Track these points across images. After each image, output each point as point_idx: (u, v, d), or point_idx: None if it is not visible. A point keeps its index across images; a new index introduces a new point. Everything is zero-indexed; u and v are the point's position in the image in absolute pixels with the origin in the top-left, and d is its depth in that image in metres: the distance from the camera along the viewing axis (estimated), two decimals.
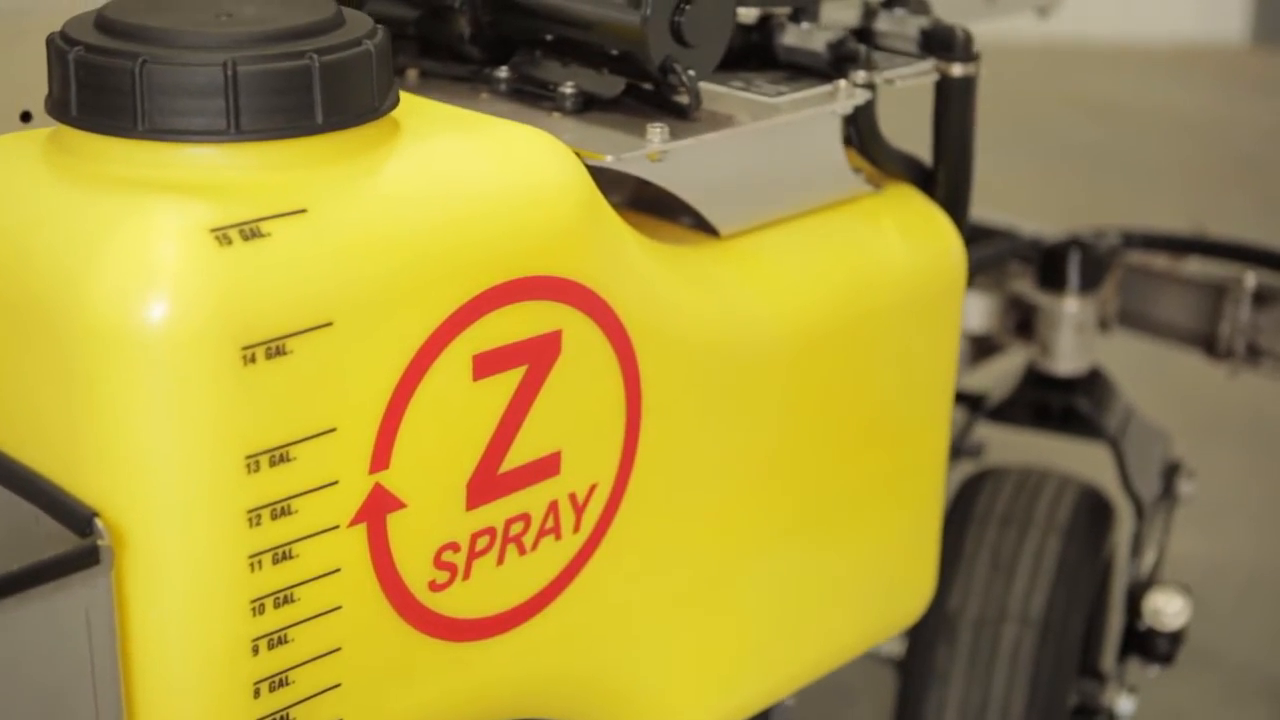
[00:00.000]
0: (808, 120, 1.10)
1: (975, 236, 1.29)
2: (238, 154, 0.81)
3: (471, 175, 0.89)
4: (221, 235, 0.78)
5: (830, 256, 1.12)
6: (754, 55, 1.19)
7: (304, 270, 0.80)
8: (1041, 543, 1.60)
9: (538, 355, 0.92)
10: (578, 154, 0.97)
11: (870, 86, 1.14)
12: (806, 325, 1.09)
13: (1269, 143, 4.99)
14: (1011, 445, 1.93)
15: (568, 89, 1.06)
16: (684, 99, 1.05)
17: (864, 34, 1.25)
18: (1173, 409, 2.60)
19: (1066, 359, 1.71)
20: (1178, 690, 2.16)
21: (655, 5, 1.01)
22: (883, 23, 1.24)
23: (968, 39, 1.20)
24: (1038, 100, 4.87)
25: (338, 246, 0.82)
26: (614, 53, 1.05)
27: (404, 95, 0.94)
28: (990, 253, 1.74)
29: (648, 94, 1.07)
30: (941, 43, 1.21)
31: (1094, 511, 1.67)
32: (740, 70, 1.17)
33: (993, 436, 1.92)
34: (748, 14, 1.18)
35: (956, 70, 1.20)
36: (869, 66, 1.15)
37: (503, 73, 1.10)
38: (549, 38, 1.09)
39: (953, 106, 1.22)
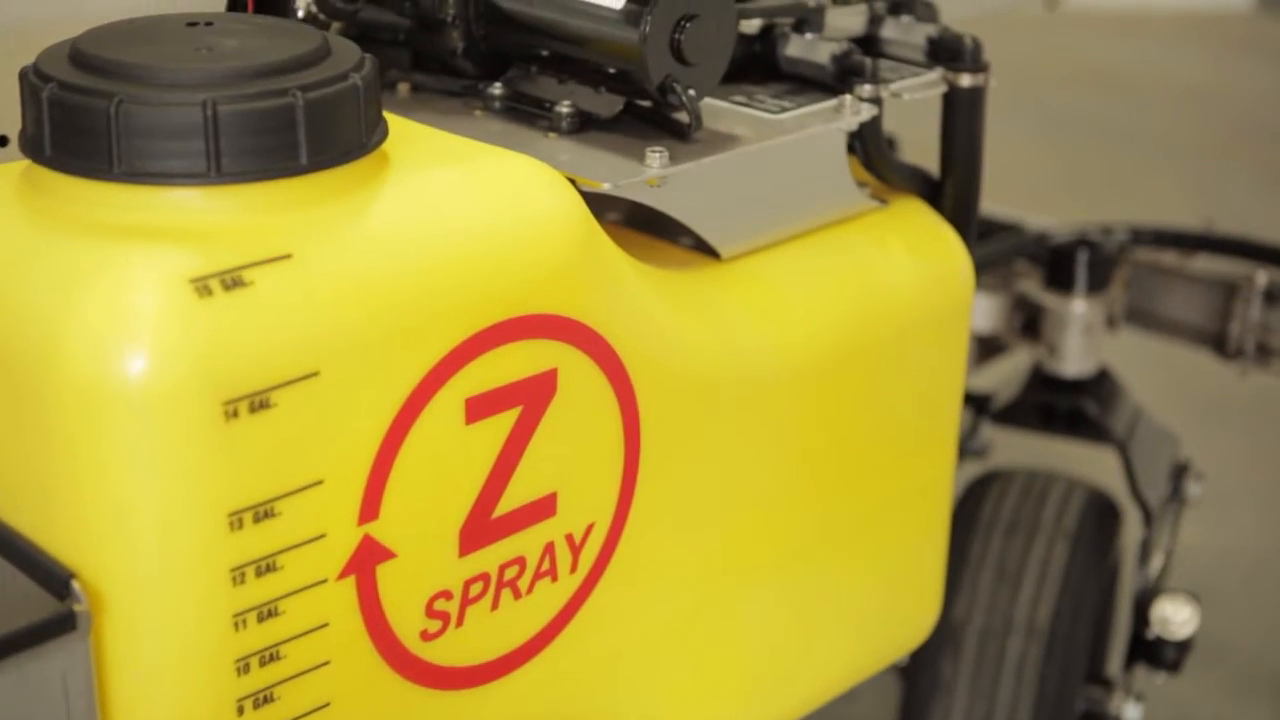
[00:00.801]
0: (812, 138, 1.07)
1: (980, 232, 1.25)
2: (219, 197, 0.78)
3: (464, 212, 0.85)
4: (202, 286, 0.74)
5: (835, 278, 1.09)
6: (756, 66, 1.15)
7: (288, 319, 0.77)
8: (1048, 551, 1.57)
9: (533, 395, 0.89)
10: (574, 180, 0.93)
11: (876, 101, 1.11)
12: (811, 352, 1.06)
13: (1273, 111, 4.94)
14: (1017, 443, 1.90)
15: (564, 108, 1.03)
16: (684, 118, 1.01)
17: (869, 41, 1.21)
18: (1177, 395, 2.58)
19: (1074, 361, 1.68)
20: (1182, 685, 2.11)
21: (654, 23, 0.98)
22: (889, 30, 1.20)
23: (977, 48, 1.16)
24: (1039, 68, 4.82)
25: (324, 292, 0.78)
26: (611, 71, 1.02)
27: (393, 120, 0.91)
28: (996, 250, 1.70)
29: (646, 111, 1.03)
30: (950, 51, 1.17)
31: (1101, 517, 1.64)
32: (742, 82, 1.14)
33: (998, 434, 1.90)
34: (750, 24, 1.14)
35: (965, 81, 1.16)
36: (875, 79, 1.11)
37: (497, 89, 1.07)
38: (544, 53, 1.05)
39: (960, 117, 1.18)
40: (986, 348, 1.79)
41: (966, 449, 1.72)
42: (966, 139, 1.19)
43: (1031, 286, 1.69)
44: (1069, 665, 1.54)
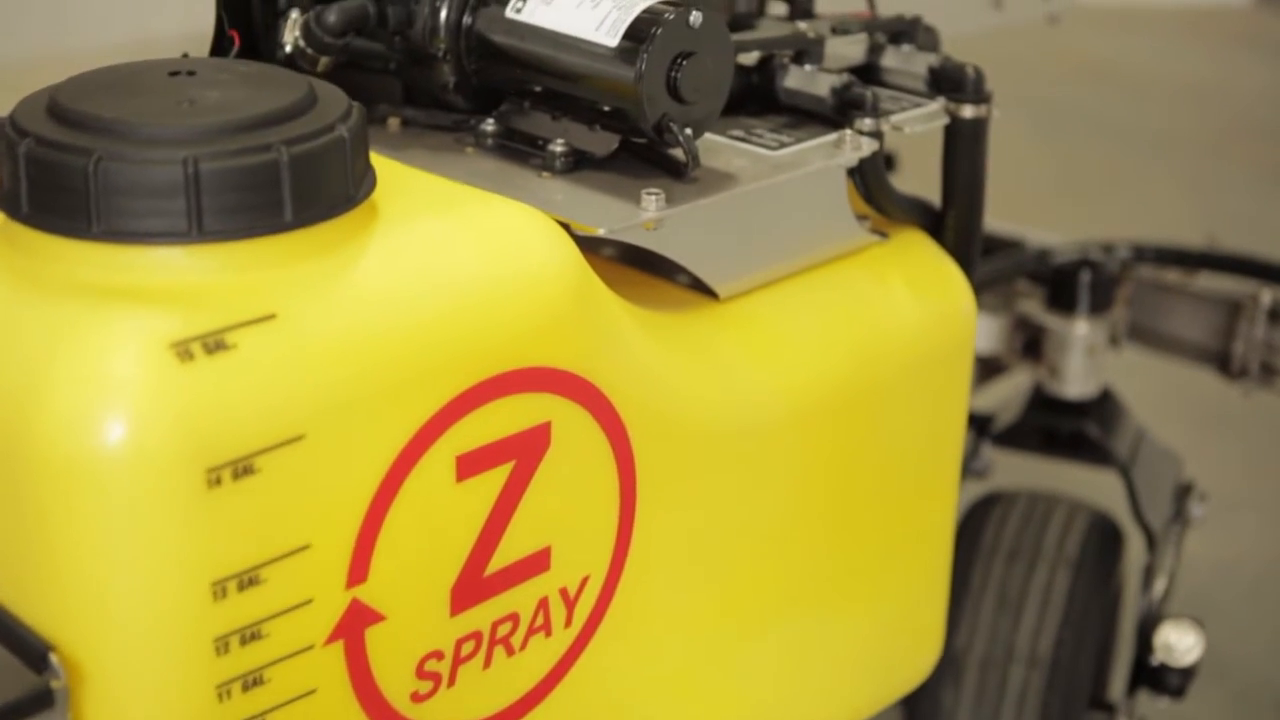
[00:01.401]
0: (811, 175, 1.04)
1: (980, 249, 1.23)
2: (201, 256, 0.75)
3: (455, 265, 0.83)
4: (183, 350, 0.72)
5: (835, 318, 1.07)
6: (754, 97, 1.13)
7: (273, 382, 0.74)
8: (1050, 578, 1.55)
9: (526, 450, 0.86)
10: (569, 225, 0.91)
11: (876, 135, 1.08)
12: (810, 394, 1.03)
13: (1271, 107, 4.92)
14: (1019, 460, 1.87)
15: (557, 147, 1.00)
16: (681, 155, 0.99)
17: (869, 70, 1.18)
18: (1176, 403, 2.55)
19: (1076, 382, 1.66)
20: (1184, 703, 2.11)
21: (650, 61, 0.95)
22: (889, 59, 1.18)
23: (979, 78, 1.14)
24: (1035, 64, 4.80)
25: (310, 353, 0.76)
26: (606, 108, 0.99)
27: (382, 164, 0.89)
28: (996, 270, 1.68)
29: (642, 148, 1.01)
30: (952, 82, 1.15)
31: (1103, 542, 1.62)
32: (739, 114, 1.11)
33: (999, 451, 1.87)
34: (748, 55, 1.12)
35: (967, 112, 1.14)
36: (875, 112, 1.08)
37: (489, 125, 1.04)
38: (537, 89, 1.03)
39: (962, 149, 1.15)
40: (987, 368, 1.77)
41: (968, 469, 1.70)
42: (969, 170, 1.16)
43: (1033, 307, 1.67)
44: (1071, 695, 1.52)
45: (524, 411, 0.85)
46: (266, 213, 0.76)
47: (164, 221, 0.75)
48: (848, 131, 1.08)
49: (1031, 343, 1.69)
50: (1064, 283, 1.64)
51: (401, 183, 0.89)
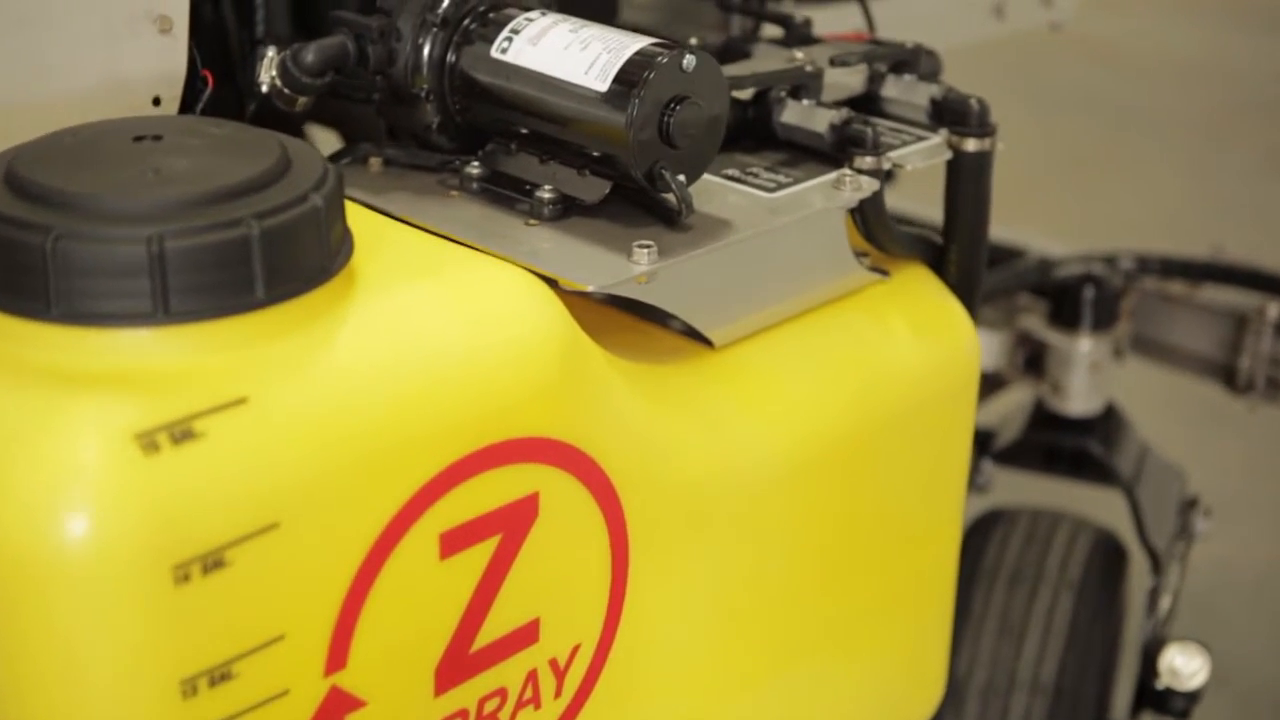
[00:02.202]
0: (810, 219, 1.00)
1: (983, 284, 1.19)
2: (167, 339, 0.72)
3: (437, 335, 0.79)
4: (148, 442, 0.68)
5: (835, 364, 1.03)
6: (749, 132, 1.09)
7: (245, 470, 0.71)
8: (1053, 602, 1.52)
9: (513, 522, 0.83)
10: (557, 282, 0.87)
11: (876, 173, 1.04)
12: (809, 447, 1.00)
13: (1269, 84, 4.88)
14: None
15: (545, 194, 0.96)
16: (673, 202, 0.95)
17: (869, 99, 1.14)
18: (1178, 397, 2.51)
19: (1079, 400, 1.62)
20: None
21: (642, 107, 0.91)
22: (890, 89, 1.14)
23: (983, 111, 1.10)
24: (1033, 43, 4.74)
25: (284, 437, 0.72)
26: (595, 154, 0.95)
27: (360, 217, 0.85)
28: (997, 282, 1.64)
29: (633, 192, 0.97)
30: (954, 114, 1.10)
31: (1107, 562, 1.59)
32: (734, 149, 1.07)
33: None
34: (743, 89, 1.08)
35: (970, 145, 1.10)
36: (875, 149, 1.04)
37: (474, 168, 1.00)
38: (524, 131, 0.99)
39: (966, 183, 1.11)
40: (988, 384, 1.73)
41: (969, 485, 1.66)
42: (972, 205, 1.12)
43: (1035, 323, 1.63)
44: None
45: (511, 483, 0.82)
46: (237, 291, 0.72)
47: (127, 303, 0.71)
48: (847, 171, 1.04)
49: (1033, 358, 1.65)
50: (1067, 298, 1.60)
51: (380, 241, 0.85)
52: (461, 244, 0.93)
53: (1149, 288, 1.72)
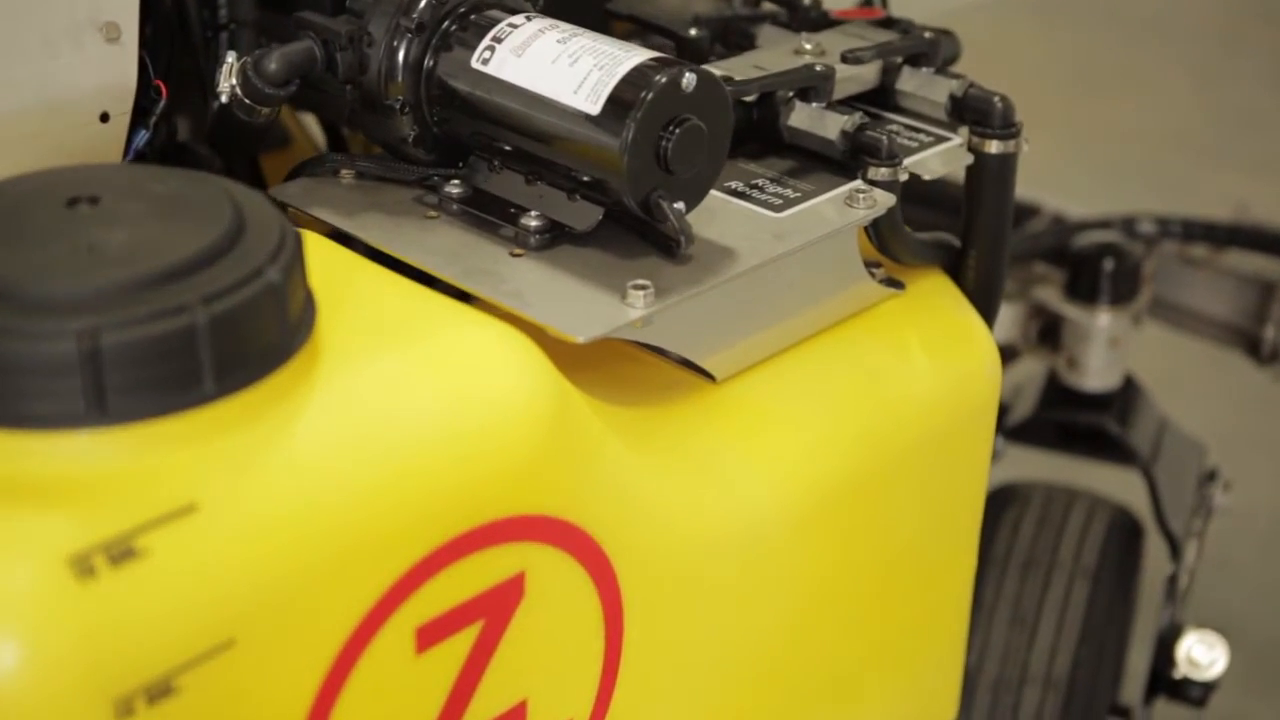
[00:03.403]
0: (820, 241, 0.92)
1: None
2: (103, 443, 0.64)
3: (412, 414, 0.71)
4: (83, 566, 0.61)
5: (844, 395, 0.95)
6: (754, 135, 1.00)
7: (195, 585, 0.63)
8: (1067, 591, 1.45)
9: (496, 606, 0.75)
10: (545, 330, 0.80)
11: (892, 185, 0.96)
12: (816, 490, 0.92)
13: None
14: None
15: (531, 220, 0.88)
16: (670, 232, 0.87)
17: (883, 94, 1.06)
18: (1185, 337, 2.44)
19: (1096, 375, 1.55)
20: None
21: (637, 131, 0.83)
22: (907, 82, 1.05)
23: (1006, 109, 1.01)
24: None
25: (239, 545, 0.65)
26: (586, 179, 0.87)
27: (326, 263, 0.77)
28: (1010, 249, 1.56)
29: (628, 216, 0.88)
30: (976, 113, 1.02)
31: (1124, 544, 1.52)
32: (738, 155, 0.99)
33: None
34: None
35: (993, 147, 1.01)
36: (891, 157, 0.96)
37: (455, 187, 0.92)
38: (508, 148, 0.90)
39: (987, 186, 1.03)
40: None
41: None
42: (994, 209, 1.04)
43: (1051, 295, 1.55)
44: (1090, 718, 1.43)
45: (493, 566, 0.74)
46: (182, 385, 0.64)
47: (58, 404, 0.63)
48: (860, 184, 0.95)
49: (1048, 329, 1.57)
50: (1085, 269, 1.52)
51: (348, 294, 0.77)
52: (439, 280, 0.85)
53: (1170, 250, 1.64)
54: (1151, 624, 1.57)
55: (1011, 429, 1.58)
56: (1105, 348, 1.53)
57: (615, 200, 0.86)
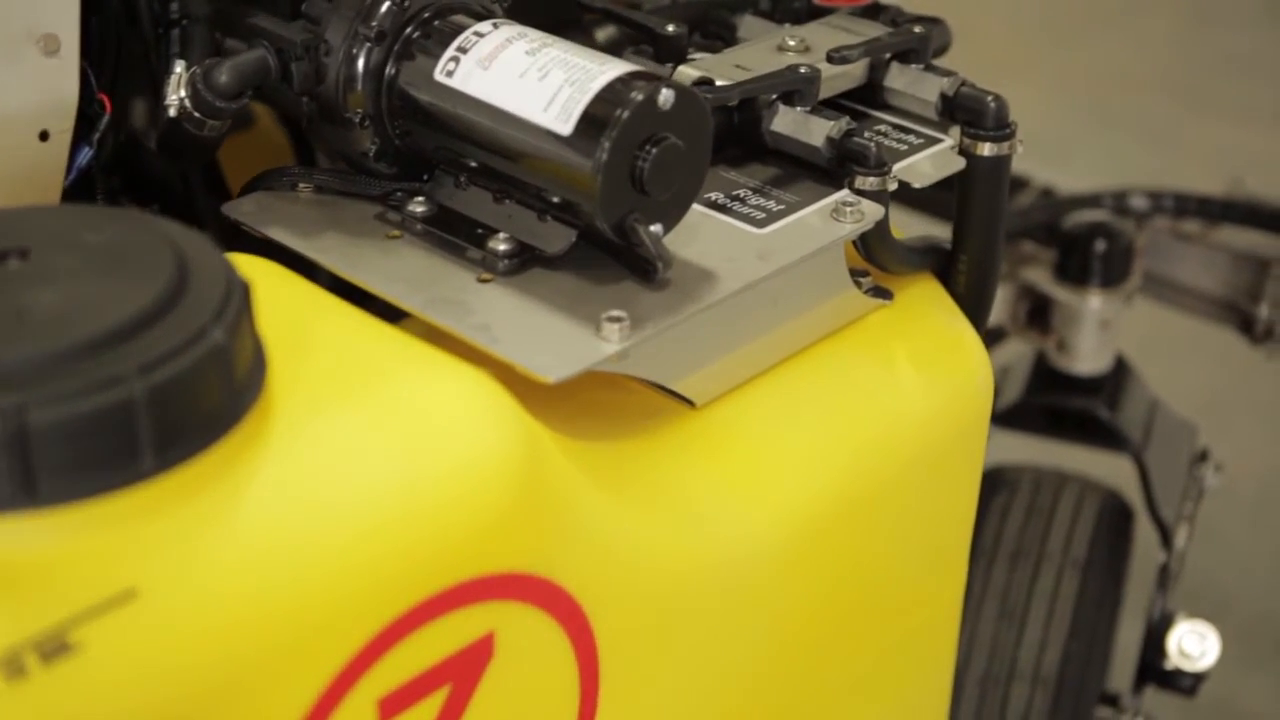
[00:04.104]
0: (805, 260, 0.87)
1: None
2: (34, 528, 0.59)
3: (371, 476, 0.67)
4: (13, 665, 0.56)
5: (830, 417, 0.91)
6: (735, 139, 0.95)
7: (139, 680, 0.59)
8: (1056, 583, 1.42)
9: (463, 670, 0.71)
10: (513, 368, 0.75)
11: (881, 195, 0.91)
12: (800, 520, 0.88)
13: None
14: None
15: (500, 244, 0.83)
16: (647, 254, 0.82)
17: (870, 91, 1.01)
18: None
19: (1086, 359, 1.50)
20: None
21: (612, 149, 0.78)
22: (895, 79, 1.00)
23: (1000, 110, 0.96)
24: None
25: (185, 632, 0.60)
26: (556, 200, 0.82)
27: (280, 299, 0.72)
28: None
29: (601, 239, 0.83)
30: (968, 113, 0.97)
31: (1114, 530, 1.48)
32: (718, 160, 0.94)
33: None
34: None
35: (986, 150, 0.96)
36: (879, 166, 0.91)
37: (419, 205, 0.87)
38: (474, 165, 0.85)
39: (979, 190, 0.98)
40: (987, 337, 1.60)
41: None
42: (986, 213, 0.99)
43: (1040, 276, 1.50)
44: (1079, 715, 1.39)
45: (461, 629, 0.70)
46: (118, 462, 0.60)
47: None
48: (847, 194, 0.91)
49: (1037, 310, 1.53)
50: (1075, 251, 1.47)
51: (304, 338, 0.72)
52: (402, 309, 0.81)
53: (1162, 225, 1.59)
54: (1139, 599, 1.54)
55: (999, 414, 1.54)
56: (1096, 330, 1.48)
57: (588, 223, 0.81)
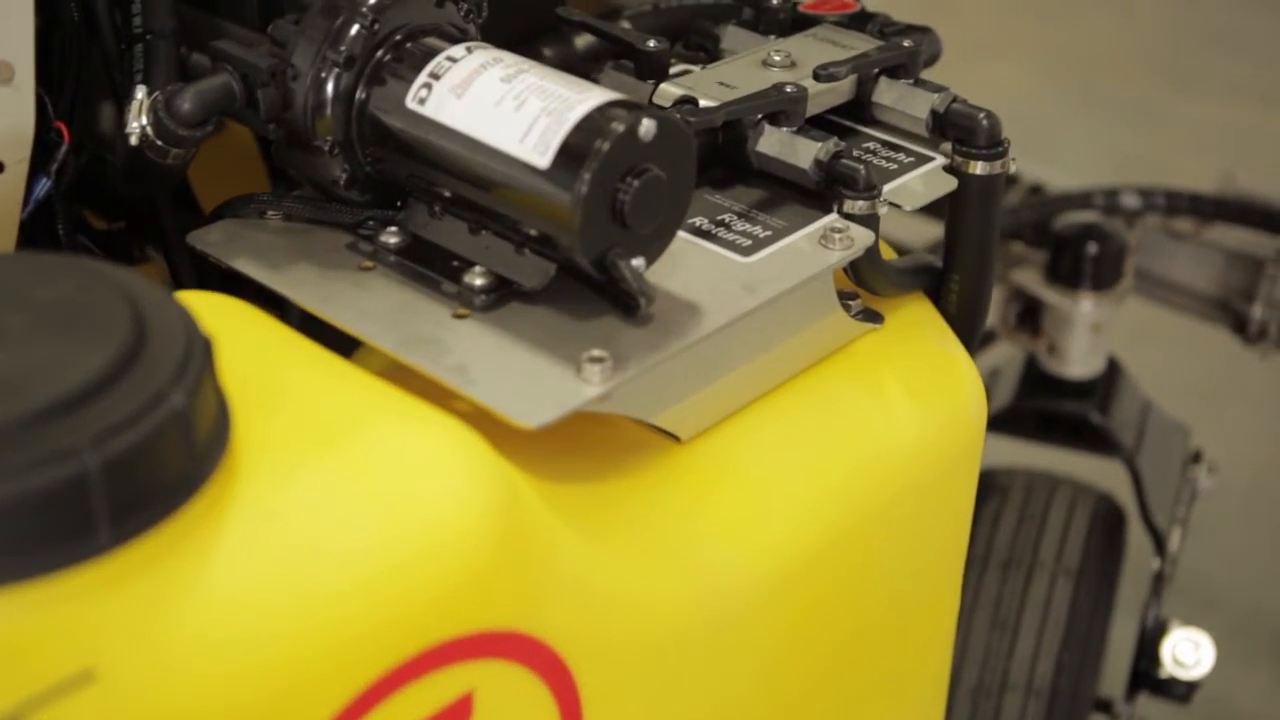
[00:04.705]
0: (793, 291, 0.84)
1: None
2: None
3: (341, 537, 0.64)
4: None
5: (819, 450, 0.88)
6: (719, 160, 0.92)
7: None
8: (1049, 592, 1.39)
9: None
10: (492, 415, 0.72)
11: (870, 219, 0.88)
12: (789, 558, 0.85)
13: None
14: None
15: (476, 279, 0.80)
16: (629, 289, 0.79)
17: (859, 106, 0.98)
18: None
19: (1078, 363, 1.47)
20: None
21: (592, 183, 0.75)
22: (885, 94, 0.97)
23: (993, 127, 0.93)
24: None
25: (147, 711, 0.57)
26: (534, 233, 0.79)
27: (245, 344, 0.69)
28: None
29: (581, 272, 0.80)
30: (959, 130, 0.94)
31: (1107, 538, 1.46)
32: (702, 182, 0.91)
33: None
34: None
35: (978, 169, 0.93)
36: (869, 189, 0.88)
37: (392, 235, 0.84)
38: (447, 194, 0.82)
39: (971, 209, 0.95)
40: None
41: None
42: (978, 232, 0.96)
43: (1031, 279, 1.47)
44: None
45: (438, 691, 0.67)
46: (73, 538, 0.57)
47: None
48: (836, 220, 0.88)
49: (1027, 312, 1.50)
50: (1066, 252, 1.44)
51: (271, 389, 0.69)
52: (374, 349, 0.78)
53: (1154, 223, 1.57)
54: (1129, 598, 1.52)
55: (988, 418, 1.51)
56: (1087, 334, 1.45)
57: (566, 258, 0.78)
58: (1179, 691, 1.47)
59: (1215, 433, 2.22)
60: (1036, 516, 1.44)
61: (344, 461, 0.66)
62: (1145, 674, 1.47)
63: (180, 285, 0.99)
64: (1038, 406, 1.49)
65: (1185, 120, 3.48)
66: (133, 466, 0.57)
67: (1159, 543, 1.46)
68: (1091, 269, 1.44)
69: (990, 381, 1.54)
